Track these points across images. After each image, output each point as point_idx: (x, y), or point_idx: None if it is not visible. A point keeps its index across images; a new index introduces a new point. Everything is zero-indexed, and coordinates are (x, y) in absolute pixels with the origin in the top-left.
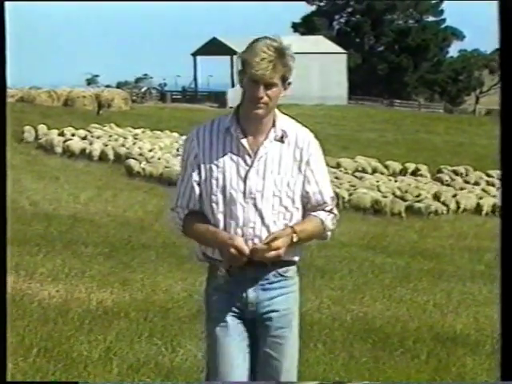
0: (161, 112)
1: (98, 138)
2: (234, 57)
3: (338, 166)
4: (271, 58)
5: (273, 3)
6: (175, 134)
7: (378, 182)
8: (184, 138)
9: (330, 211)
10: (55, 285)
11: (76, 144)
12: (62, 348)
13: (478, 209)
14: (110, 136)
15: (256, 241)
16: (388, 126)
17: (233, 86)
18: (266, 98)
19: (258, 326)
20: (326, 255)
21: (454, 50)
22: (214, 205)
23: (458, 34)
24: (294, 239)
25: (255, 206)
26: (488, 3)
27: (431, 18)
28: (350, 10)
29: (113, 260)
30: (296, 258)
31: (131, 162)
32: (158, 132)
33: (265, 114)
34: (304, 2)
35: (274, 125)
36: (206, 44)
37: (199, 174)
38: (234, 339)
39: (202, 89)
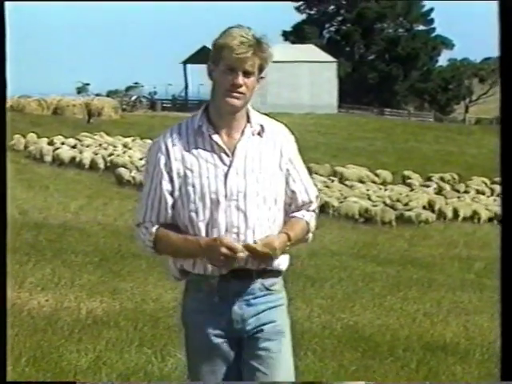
0: (151, 120)
1: (88, 146)
2: None
3: (342, 176)
4: (250, 42)
5: (263, 11)
6: None
7: (368, 190)
8: None
9: (314, 211)
10: (45, 294)
11: (66, 153)
12: (51, 357)
13: (475, 217)
14: (100, 145)
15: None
16: (378, 135)
17: None
18: (244, 87)
19: (245, 344)
20: (317, 264)
21: (443, 59)
22: (193, 214)
23: (447, 43)
24: (286, 248)
25: (238, 208)
26: (478, 10)
27: (421, 27)
28: (340, 18)
29: (103, 269)
30: (283, 267)
31: (121, 170)
32: (149, 140)
33: (241, 105)
34: (294, 11)
35: (248, 120)
36: (196, 52)
37: (171, 182)
38: (220, 369)
39: (193, 97)
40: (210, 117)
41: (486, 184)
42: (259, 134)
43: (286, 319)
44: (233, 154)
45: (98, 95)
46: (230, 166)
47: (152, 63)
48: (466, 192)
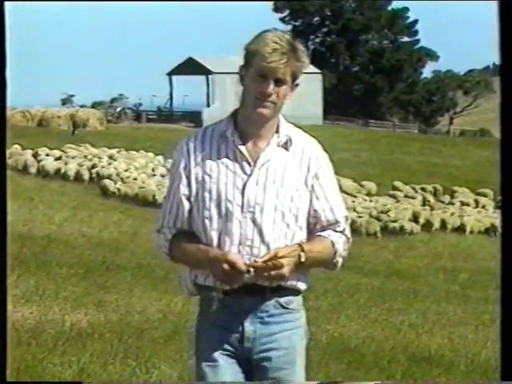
0: (136, 132)
1: (73, 158)
2: (210, 76)
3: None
4: (284, 49)
5: (247, 22)
6: (150, 154)
7: (353, 201)
8: (159, 157)
9: (342, 232)
10: (29, 306)
11: (50, 164)
12: (34, 370)
13: (461, 228)
14: (85, 156)
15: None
16: (363, 146)
17: (208, 105)
18: (274, 96)
19: (254, 367)
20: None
21: (427, 71)
22: (206, 221)
23: (431, 55)
24: (302, 259)
25: (254, 221)
26: (463, 22)
27: (406, 39)
28: (325, 30)
29: (87, 281)
30: (301, 286)
31: (106, 182)
32: (134, 152)
33: (270, 115)
34: (280, 22)
35: (277, 130)
36: (181, 64)
37: (189, 186)
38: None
39: (178, 109)
40: (238, 123)
41: (480, 194)
42: (285, 145)
43: (302, 344)
44: (255, 163)
45: (82, 106)
46: (249, 176)
47: (137, 74)
48: (451, 203)
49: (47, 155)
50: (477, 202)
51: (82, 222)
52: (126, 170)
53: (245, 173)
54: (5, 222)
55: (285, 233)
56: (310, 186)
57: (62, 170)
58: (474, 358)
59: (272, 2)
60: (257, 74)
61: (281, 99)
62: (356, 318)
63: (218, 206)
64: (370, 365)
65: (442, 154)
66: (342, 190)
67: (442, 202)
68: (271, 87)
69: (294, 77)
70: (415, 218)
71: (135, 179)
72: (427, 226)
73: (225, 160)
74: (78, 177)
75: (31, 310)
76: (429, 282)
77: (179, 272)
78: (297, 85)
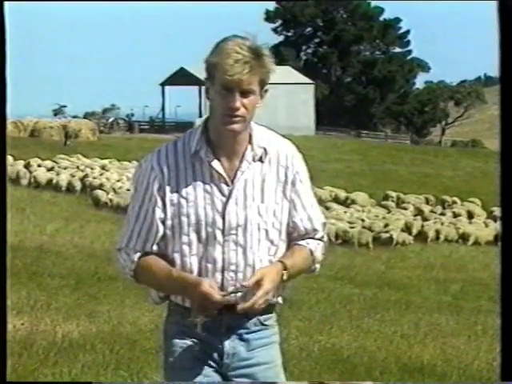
0: (128, 142)
1: (65, 168)
2: (202, 87)
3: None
4: (246, 58)
5: (239, 33)
6: None
7: (345, 212)
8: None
9: (320, 239)
10: (20, 317)
11: (42, 175)
12: (26, 381)
13: (462, 238)
14: (77, 167)
15: (239, 287)
16: (355, 157)
17: (200, 115)
18: (242, 109)
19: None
20: (294, 286)
21: (419, 82)
22: (185, 247)
23: (423, 66)
24: (284, 277)
25: (236, 243)
26: (453, 34)
27: (397, 49)
28: (317, 40)
29: (79, 292)
30: (280, 300)
31: (98, 192)
32: (126, 162)
33: (241, 128)
34: (272, 32)
35: (250, 141)
36: (173, 74)
37: (164, 210)
38: None
39: (170, 119)
40: (210, 138)
41: (471, 204)
42: (261, 159)
43: (280, 359)
44: (232, 182)
45: (75, 117)
46: (228, 197)
47: (128, 85)
48: (443, 214)
49: (39, 166)
50: (469, 212)
51: (74, 233)
52: (118, 181)
53: (223, 194)
54: (4, 231)
55: (269, 250)
56: (289, 196)
57: (54, 181)
58: (466, 369)
59: (263, 12)
60: (222, 88)
61: (250, 111)
62: (348, 328)
63: (198, 230)
64: (363, 375)
65: (433, 164)
66: (356, 204)
67: (434, 212)
68: (238, 101)
69: (262, 84)
70: (408, 229)
71: (128, 190)
72: (420, 236)
73: (201, 181)
74: (69, 187)
75: (22, 321)
76: (421, 293)
77: None
78: (266, 91)
